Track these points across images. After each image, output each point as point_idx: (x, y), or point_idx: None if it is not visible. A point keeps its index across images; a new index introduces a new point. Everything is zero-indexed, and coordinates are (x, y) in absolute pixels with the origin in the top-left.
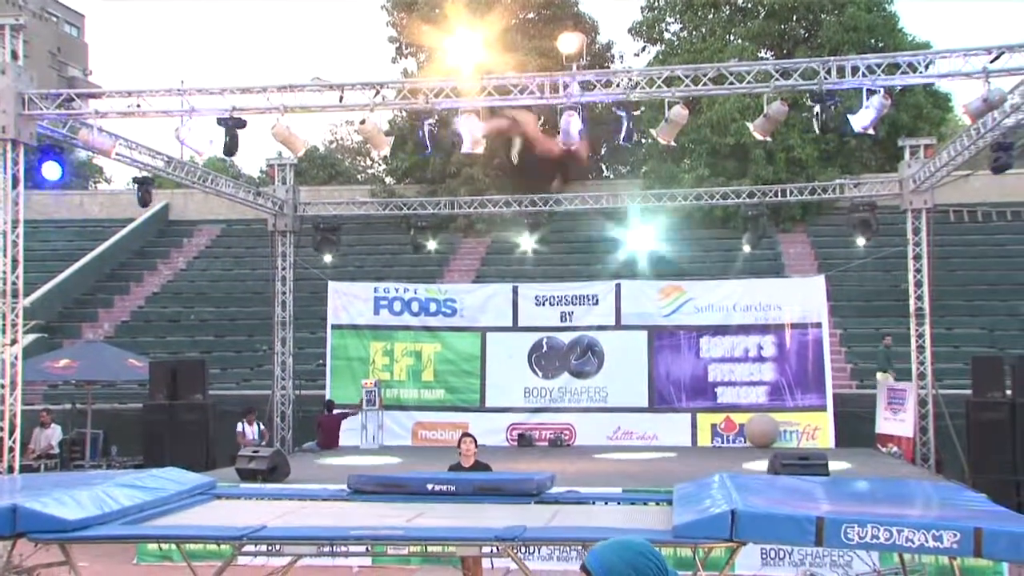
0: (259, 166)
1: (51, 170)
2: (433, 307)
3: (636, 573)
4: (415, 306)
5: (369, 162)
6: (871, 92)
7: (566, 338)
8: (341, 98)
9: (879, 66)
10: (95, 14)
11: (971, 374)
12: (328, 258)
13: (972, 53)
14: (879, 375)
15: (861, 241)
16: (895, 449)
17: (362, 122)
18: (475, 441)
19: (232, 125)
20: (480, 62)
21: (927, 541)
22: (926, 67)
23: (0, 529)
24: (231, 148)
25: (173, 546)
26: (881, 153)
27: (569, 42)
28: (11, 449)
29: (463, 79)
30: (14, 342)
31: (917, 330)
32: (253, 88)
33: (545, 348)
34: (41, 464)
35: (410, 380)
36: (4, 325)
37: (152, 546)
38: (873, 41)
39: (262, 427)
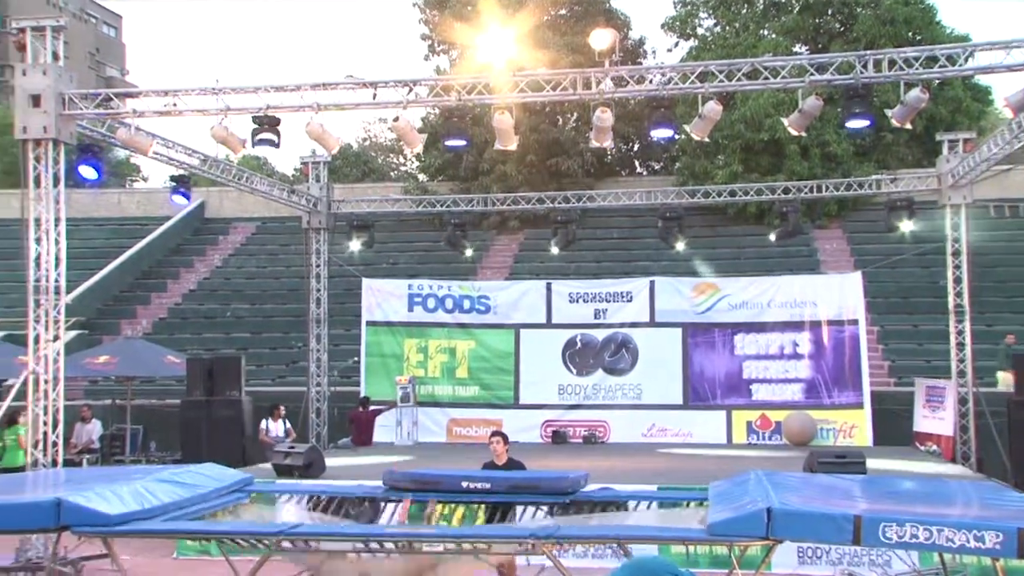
0: (293, 164)
1: (87, 172)
2: (467, 304)
3: None
4: (449, 303)
5: (402, 159)
6: (908, 86)
7: (600, 335)
8: (374, 96)
9: (917, 59)
10: (133, 15)
11: (1013, 372)
12: (356, 246)
13: (1014, 45)
14: (999, 374)
15: (908, 226)
16: (934, 448)
17: (395, 119)
18: (505, 439)
19: (267, 123)
20: (512, 59)
21: (968, 541)
22: (965, 60)
23: (45, 522)
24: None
25: (212, 541)
26: (918, 148)
27: (601, 38)
28: (54, 443)
29: (495, 76)
30: (56, 338)
31: (956, 327)
32: (287, 86)
33: (579, 345)
34: (83, 458)
35: (444, 377)
36: (47, 322)
37: (192, 541)
38: (910, 34)
39: (287, 424)
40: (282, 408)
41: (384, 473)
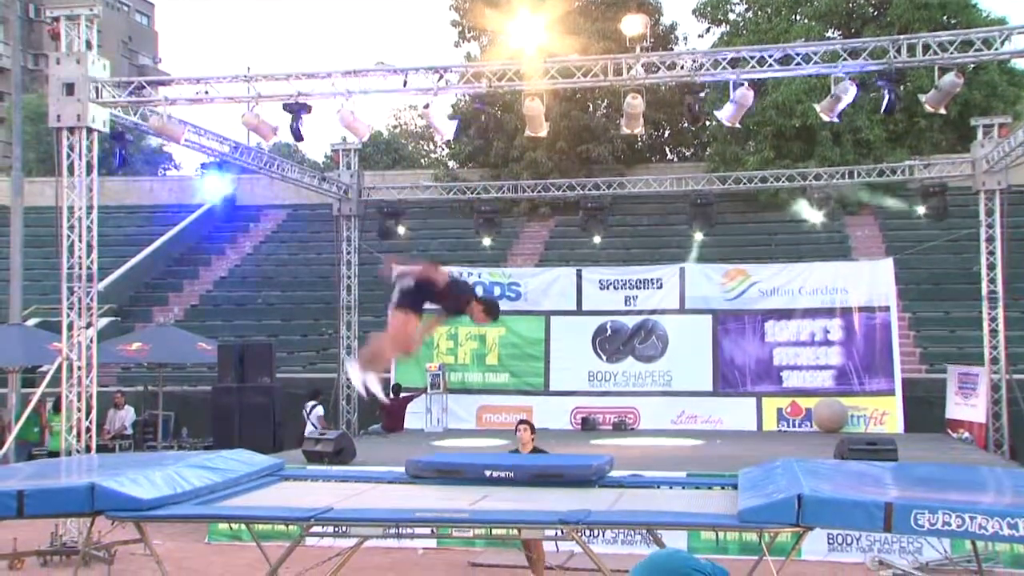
0: (324, 151)
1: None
2: (497, 291)
3: None
4: (479, 290)
5: (432, 146)
6: (943, 71)
7: (630, 322)
8: (405, 82)
9: (952, 43)
10: (165, 3)
11: None
12: (394, 240)
13: None
14: None
15: (923, 210)
16: (966, 435)
17: (426, 106)
18: (532, 428)
19: (297, 111)
20: (543, 45)
21: (1002, 529)
22: (1002, 44)
23: (80, 506)
24: (297, 134)
25: (243, 526)
26: (952, 133)
27: (632, 24)
28: (88, 429)
29: (526, 62)
30: (89, 325)
31: (990, 314)
32: (318, 73)
33: (609, 332)
34: (116, 444)
35: (474, 364)
36: (80, 309)
37: (223, 525)
38: (945, 18)
39: (320, 412)
40: (321, 395)
41: (407, 462)
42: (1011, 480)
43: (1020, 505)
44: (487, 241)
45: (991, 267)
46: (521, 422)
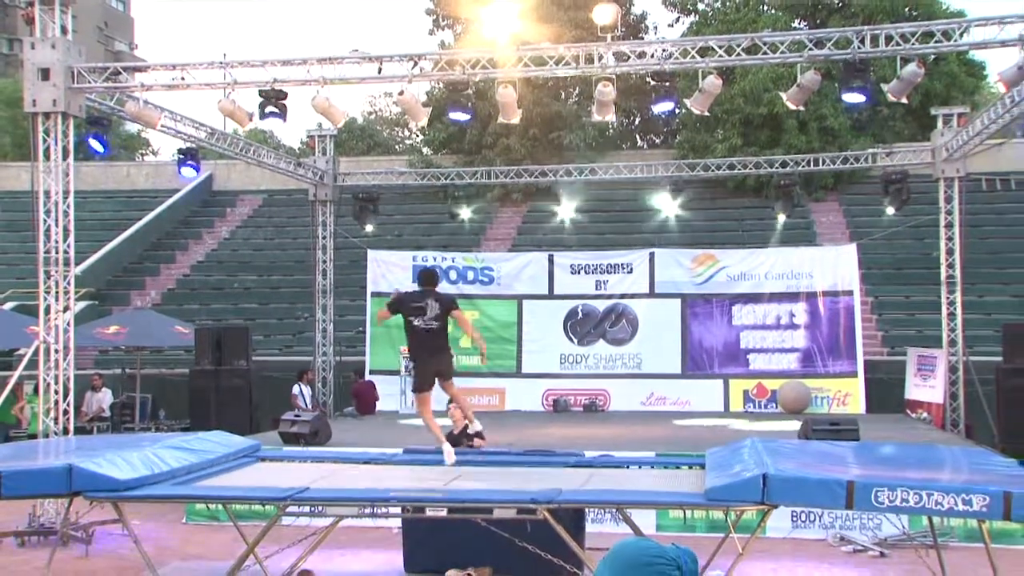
0: (299, 137)
1: (95, 146)
2: (471, 275)
3: None
4: (453, 274)
5: (407, 133)
6: (905, 61)
7: (601, 306)
8: (380, 70)
9: (913, 35)
10: None
11: (1002, 341)
12: (369, 227)
13: (1008, 21)
14: None
15: (891, 211)
16: (925, 415)
17: (400, 93)
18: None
19: (273, 97)
20: (516, 33)
21: (956, 504)
22: (961, 35)
23: (57, 488)
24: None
25: (220, 506)
26: (914, 122)
27: (604, 13)
28: (65, 411)
29: (499, 50)
30: (67, 309)
31: (948, 298)
32: (294, 60)
33: (580, 315)
34: (94, 427)
35: None
36: (57, 292)
37: (200, 506)
38: (907, 10)
39: (310, 390)
40: (310, 371)
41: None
42: (966, 458)
43: (974, 482)
44: (465, 227)
45: (950, 252)
46: (452, 401)
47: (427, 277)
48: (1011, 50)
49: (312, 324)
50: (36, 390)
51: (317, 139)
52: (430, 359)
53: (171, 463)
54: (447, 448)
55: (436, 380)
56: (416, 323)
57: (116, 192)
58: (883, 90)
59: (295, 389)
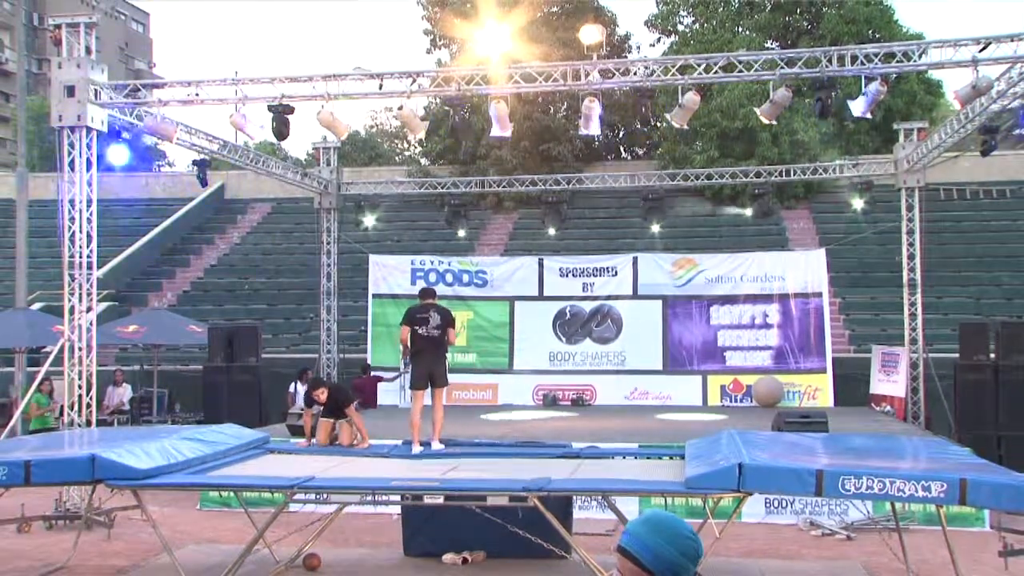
0: (306, 149)
1: (118, 153)
2: (466, 278)
3: (688, 561)
4: (449, 277)
5: (406, 145)
6: (869, 79)
7: (587, 307)
8: (380, 86)
9: (876, 55)
10: (159, 12)
11: (959, 339)
12: (369, 222)
13: (962, 43)
14: None
15: (858, 203)
16: (888, 408)
17: (400, 108)
18: (328, 389)
19: (281, 112)
20: (508, 52)
21: (917, 491)
22: (919, 56)
23: (81, 475)
24: (281, 133)
25: (232, 493)
26: (878, 136)
27: (590, 34)
28: (88, 405)
29: (492, 68)
30: (89, 309)
31: (910, 299)
32: (300, 77)
33: (568, 316)
34: (114, 419)
35: None
36: (81, 294)
37: (213, 493)
38: (871, 32)
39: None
40: (310, 371)
41: None
42: (926, 448)
43: (933, 470)
44: (461, 232)
45: (911, 257)
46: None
47: (427, 293)
48: (965, 70)
49: (317, 324)
50: (40, 389)
51: (322, 151)
52: (426, 363)
53: (186, 454)
54: (416, 446)
55: (429, 384)
56: (420, 331)
57: (135, 201)
58: (850, 106)
59: (291, 387)
